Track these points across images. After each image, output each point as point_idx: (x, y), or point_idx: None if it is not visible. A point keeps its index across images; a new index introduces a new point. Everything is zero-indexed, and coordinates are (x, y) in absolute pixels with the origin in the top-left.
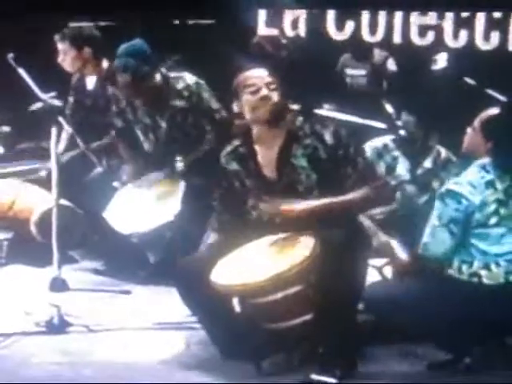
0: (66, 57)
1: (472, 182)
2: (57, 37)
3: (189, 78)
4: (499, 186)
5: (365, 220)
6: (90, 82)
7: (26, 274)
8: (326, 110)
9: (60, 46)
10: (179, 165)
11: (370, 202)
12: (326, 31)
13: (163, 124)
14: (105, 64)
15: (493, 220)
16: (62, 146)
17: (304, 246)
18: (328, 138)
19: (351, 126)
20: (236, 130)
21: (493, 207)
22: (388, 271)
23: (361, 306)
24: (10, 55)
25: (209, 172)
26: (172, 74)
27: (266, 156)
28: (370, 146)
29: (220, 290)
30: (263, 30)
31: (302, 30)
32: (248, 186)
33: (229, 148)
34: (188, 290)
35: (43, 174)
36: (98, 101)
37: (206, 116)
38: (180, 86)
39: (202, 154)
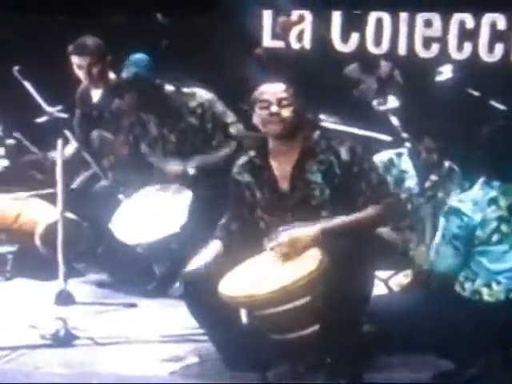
0: (92, 70)
1: (474, 198)
2: (75, 52)
3: (201, 96)
4: (502, 202)
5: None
6: (95, 94)
7: (31, 287)
8: (330, 123)
9: (81, 60)
10: (190, 169)
11: (383, 220)
12: (331, 43)
13: (172, 138)
14: (111, 75)
15: (494, 237)
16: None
17: (312, 258)
18: (344, 154)
19: (365, 142)
20: (252, 141)
21: (494, 225)
22: (394, 283)
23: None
24: (16, 68)
25: (218, 183)
26: (184, 89)
27: (280, 169)
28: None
29: (227, 301)
30: (269, 42)
31: (307, 43)
32: (259, 197)
33: (244, 158)
34: (196, 301)
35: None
36: (103, 113)
37: (221, 130)
38: (193, 103)
39: (213, 164)
